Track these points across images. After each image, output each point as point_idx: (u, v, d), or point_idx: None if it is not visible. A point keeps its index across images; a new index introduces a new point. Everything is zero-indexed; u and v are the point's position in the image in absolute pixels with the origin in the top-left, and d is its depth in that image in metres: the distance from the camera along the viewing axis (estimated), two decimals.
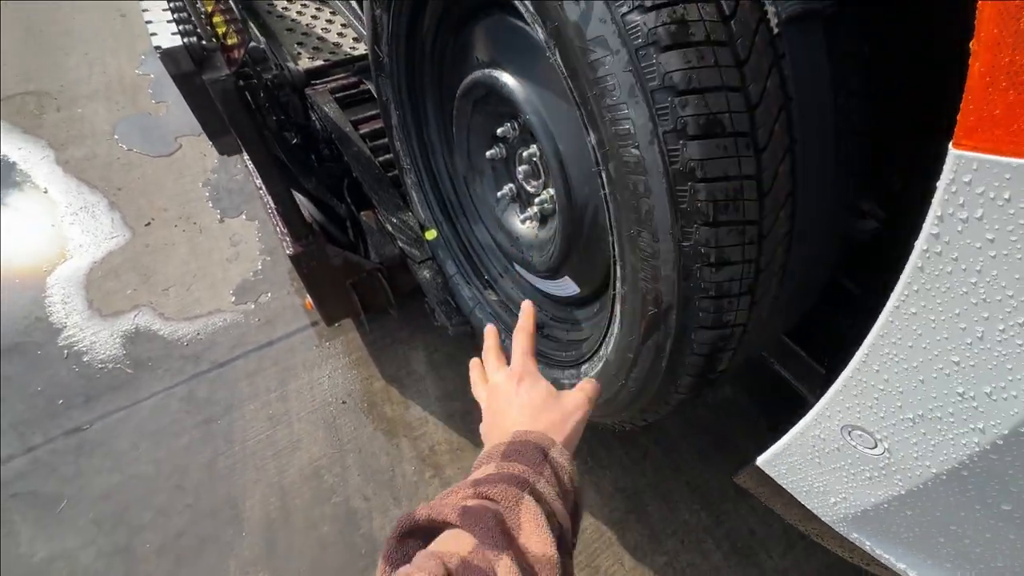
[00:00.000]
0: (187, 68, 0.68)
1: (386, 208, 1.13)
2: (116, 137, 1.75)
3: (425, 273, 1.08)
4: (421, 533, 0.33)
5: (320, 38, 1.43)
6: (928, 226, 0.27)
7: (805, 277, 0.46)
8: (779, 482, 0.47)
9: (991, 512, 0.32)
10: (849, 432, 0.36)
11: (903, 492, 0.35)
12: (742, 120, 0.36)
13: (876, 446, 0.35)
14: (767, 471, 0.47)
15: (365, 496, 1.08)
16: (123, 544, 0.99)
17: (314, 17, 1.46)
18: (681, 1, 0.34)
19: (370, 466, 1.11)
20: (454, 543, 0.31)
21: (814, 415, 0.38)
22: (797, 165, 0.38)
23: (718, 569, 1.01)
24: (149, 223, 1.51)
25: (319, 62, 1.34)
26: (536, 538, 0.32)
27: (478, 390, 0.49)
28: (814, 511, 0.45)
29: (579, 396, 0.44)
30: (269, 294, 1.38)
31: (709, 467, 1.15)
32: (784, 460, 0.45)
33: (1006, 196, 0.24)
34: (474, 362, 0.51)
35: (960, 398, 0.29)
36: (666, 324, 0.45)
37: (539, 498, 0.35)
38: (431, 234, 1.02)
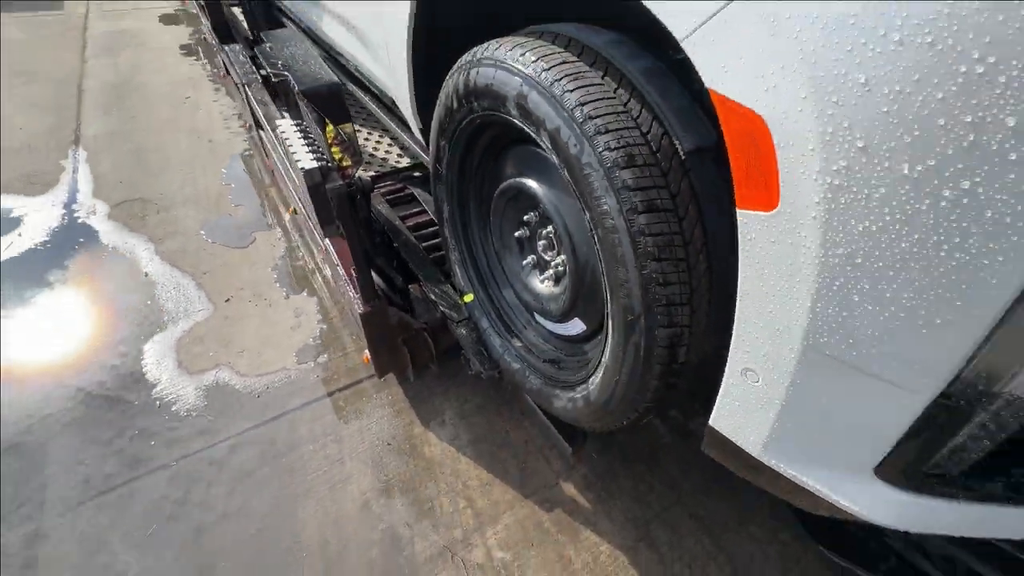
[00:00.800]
0: (317, 180, 1.03)
1: (430, 281, 1.43)
2: (202, 233, 2.14)
3: (462, 330, 1.35)
4: None
5: (371, 153, 1.84)
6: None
7: (722, 292, 0.72)
8: (726, 435, 0.69)
9: (826, 411, 0.56)
10: (744, 373, 0.61)
11: (778, 409, 0.58)
12: (668, 203, 0.66)
13: (758, 380, 0.59)
14: (717, 428, 0.70)
15: (408, 524, 1.24)
16: (204, 563, 1.15)
17: (366, 139, 1.89)
18: (627, 145, 0.65)
19: (412, 498, 1.29)
20: None
21: (727, 369, 0.63)
22: (704, 226, 0.67)
23: None
24: (228, 299, 1.83)
25: (373, 172, 1.74)
26: None
27: None
28: (745, 449, 0.67)
29: None
30: (326, 355, 1.64)
31: (710, 499, 1.30)
32: (722, 413, 0.68)
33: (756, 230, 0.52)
34: None
35: (776, 333, 0.55)
36: (639, 326, 0.71)
37: None
38: (469, 297, 1.31)
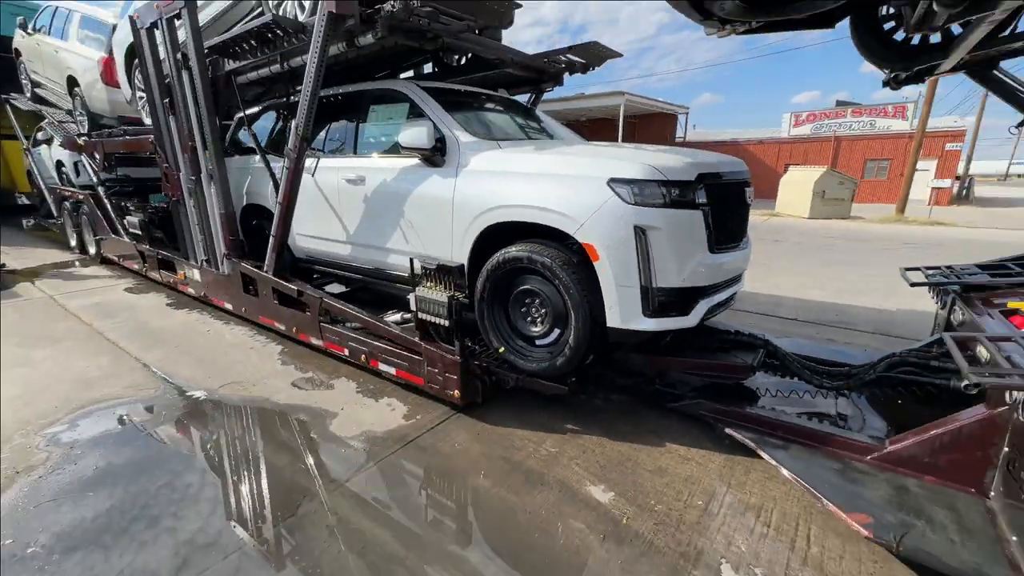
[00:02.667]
0: (446, 317, 2.67)
1: (488, 350, 3.00)
2: (295, 386, 3.30)
3: (506, 369, 2.90)
4: None
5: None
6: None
7: (591, 309, 2.56)
8: (618, 327, 2.44)
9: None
10: (609, 309, 2.41)
11: (617, 313, 2.39)
12: (579, 286, 2.51)
13: (615, 309, 2.40)
14: (611, 326, 2.44)
15: (511, 447, 2.55)
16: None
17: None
18: (572, 275, 2.53)
19: (506, 442, 2.61)
20: None
21: (606, 313, 2.43)
22: (585, 285, 2.54)
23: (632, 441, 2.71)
24: (342, 409, 3.01)
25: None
26: None
27: None
28: (620, 327, 2.42)
29: None
30: (419, 416, 2.92)
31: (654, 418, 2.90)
32: (611, 319, 2.43)
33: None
34: None
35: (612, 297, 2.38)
36: (576, 316, 2.48)
37: None
38: (502, 349, 2.90)
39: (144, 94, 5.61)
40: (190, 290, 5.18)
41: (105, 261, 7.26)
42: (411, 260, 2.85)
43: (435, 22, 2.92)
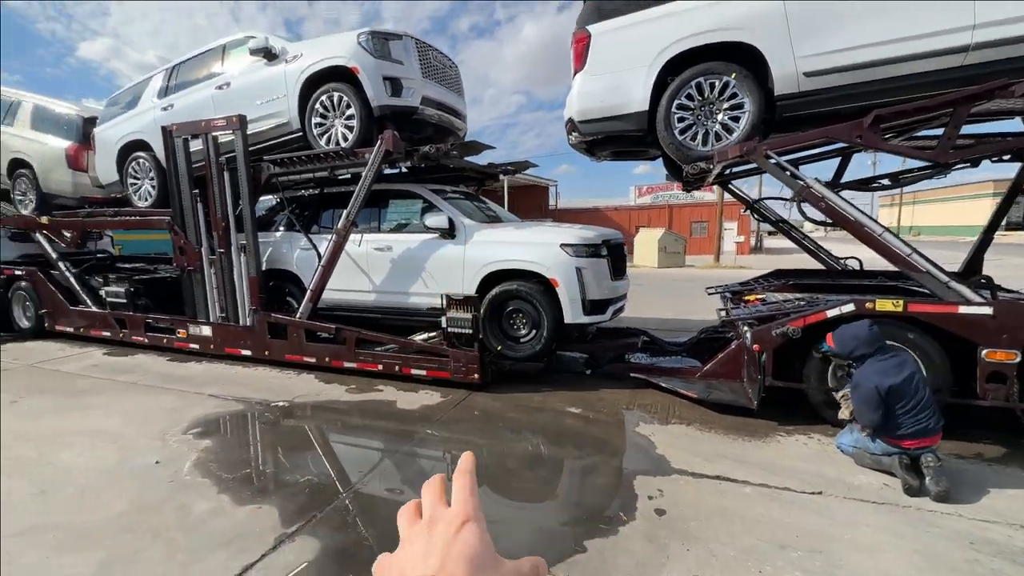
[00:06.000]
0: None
1: (486, 347, 4.79)
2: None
3: (501, 358, 4.71)
4: None
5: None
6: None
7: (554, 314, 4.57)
8: (570, 321, 4.46)
9: None
10: (570, 306, 4.44)
11: (570, 311, 4.42)
12: (547, 303, 4.51)
13: (568, 311, 4.43)
14: (567, 321, 4.45)
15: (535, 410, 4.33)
16: None
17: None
18: (548, 299, 4.54)
19: (515, 402, 4.39)
20: None
21: (564, 311, 4.45)
22: (549, 301, 4.55)
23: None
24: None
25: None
26: None
27: (402, 519, 0.41)
28: (572, 321, 4.45)
29: (526, 567, 0.37)
30: (451, 396, 4.55)
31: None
32: (568, 318, 4.44)
33: None
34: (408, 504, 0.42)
35: (570, 300, 4.42)
36: (547, 319, 4.46)
37: None
38: (499, 348, 4.72)
39: (135, 183, 6.59)
40: (193, 346, 6.00)
41: (45, 335, 7.30)
42: (442, 296, 4.60)
43: (444, 157, 4.90)
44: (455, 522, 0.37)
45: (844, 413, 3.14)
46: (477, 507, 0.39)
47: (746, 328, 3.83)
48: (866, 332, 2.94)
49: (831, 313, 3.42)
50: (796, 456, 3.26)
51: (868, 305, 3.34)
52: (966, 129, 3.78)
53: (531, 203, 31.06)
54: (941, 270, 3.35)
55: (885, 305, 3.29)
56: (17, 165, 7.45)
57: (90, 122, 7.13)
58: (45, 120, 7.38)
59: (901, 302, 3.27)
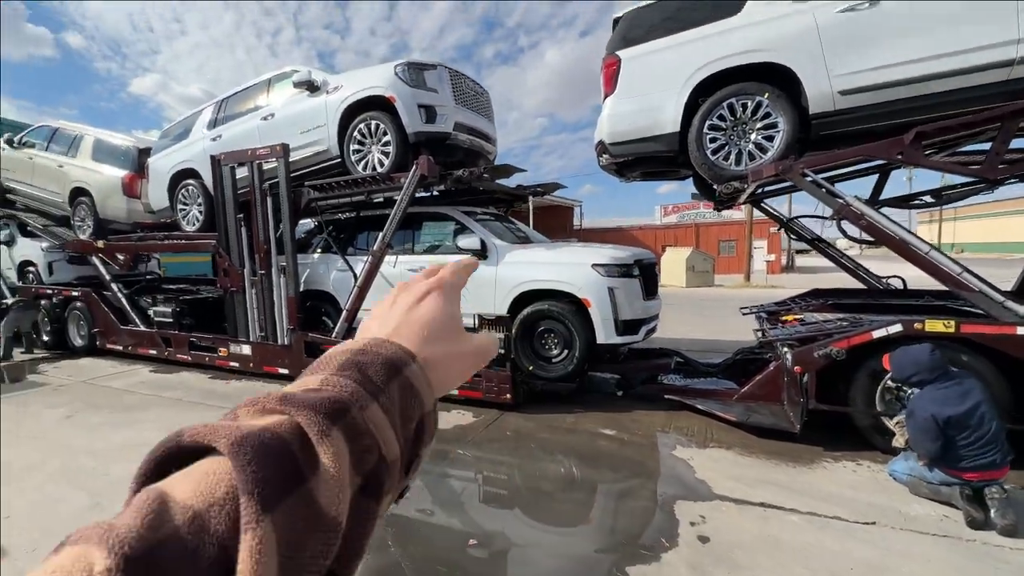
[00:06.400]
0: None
1: (519, 367, 4.79)
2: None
3: (534, 379, 4.71)
4: (189, 459, 0.24)
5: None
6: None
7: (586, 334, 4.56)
8: (602, 343, 4.44)
9: None
10: (603, 325, 4.42)
11: (602, 331, 4.40)
12: (583, 324, 4.52)
13: (601, 332, 4.41)
14: (599, 341, 4.43)
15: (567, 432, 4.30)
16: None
17: None
18: (581, 322, 4.54)
19: (547, 422, 4.36)
20: (203, 483, 0.22)
21: (596, 332, 4.43)
22: (583, 322, 4.55)
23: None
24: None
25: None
26: (327, 488, 0.24)
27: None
28: (606, 342, 4.42)
29: (486, 341, 0.38)
30: (483, 416, 4.56)
31: (637, 404, 4.83)
32: (599, 338, 4.42)
33: None
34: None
35: (603, 320, 4.41)
36: (579, 339, 4.45)
37: (358, 431, 0.27)
38: (531, 368, 4.72)
39: (184, 208, 6.95)
40: (233, 364, 6.21)
41: (96, 353, 7.67)
42: (475, 316, 4.65)
43: (476, 180, 5.02)
44: (420, 292, 0.38)
45: (899, 441, 3.00)
46: (452, 286, 0.39)
47: (786, 349, 3.73)
48: (927, 357, 2.76)
49: (877, 334, 3.31)
50: (845, 483, 3.12)
51: (917, 326, 3.22)
52: (1014, 143, 3.67)
53: (556, 223, 31.22)
54: (995, 289, 3.21)
55: (935, 326, 3.16)
56: (78, 193, 7.98)
57: (144, 152, 7.62)
58: (104, 151, 7.92)
59: (953, 322, 3.14)
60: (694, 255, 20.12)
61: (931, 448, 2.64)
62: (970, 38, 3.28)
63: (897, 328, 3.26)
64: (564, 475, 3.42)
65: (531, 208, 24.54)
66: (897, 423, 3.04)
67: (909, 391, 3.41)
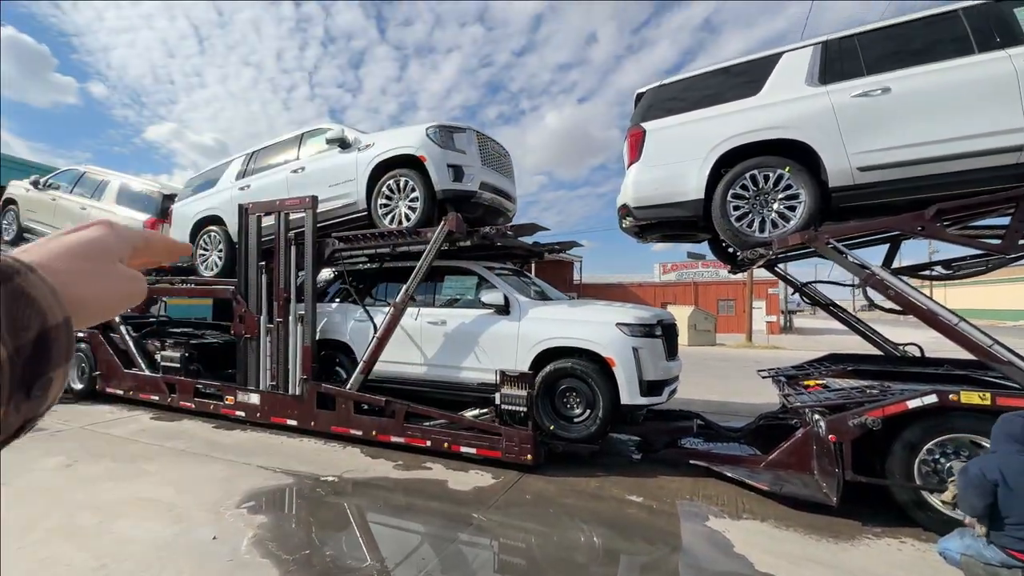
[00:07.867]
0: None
1: (542, 428, 4.68)
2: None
3: (557, 441, 4.59)
4: None
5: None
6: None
7: (610, 394, 4.51)
8: (628, 403, 4.37)
9: None
10: (629, 384, 4.36)
11: (627, 392, 4.34)
12: (607, 385, 4.48)
13: (625, 391, 4.36)
14: (624, 403, 4.36)
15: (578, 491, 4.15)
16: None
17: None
18: (602, 383, 4.51)
19: (569, 486, 4.21)
20: None
21: (621, 392, 4.38)
22: (605, 383, 4.51)
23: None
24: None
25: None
26: None
27: None
28: (629, 403, 4.35)
29: (135, 272, 0.39)
30: (503, 477, 4.40)
31: (658, 469, 4.68)
32: (623, 398, 4.35)
33: None
34: None
35: (628, 381, 4.36)
36: (603, 399, 4.39)
37: None
38: (552, 428, 4.62)
39: (204, 253, 7.03)
40: (239, 413, 6.04)
41: (94, 397, 7.46)
42: (497, 372, 4.60)
43: (501, 237, 5.15)
44: (84, 225, 0.37)
45: (947, 496, 2.94)
46: (123, 228, 0.40)
47: (817, 416, 3.69)
48: (1020, 430, 2.55)
49: (912, 404, 3.29)
50: (891, 563, 2.99)
51: (952, 396, 3.21)
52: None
53: (557, 277, 31.53)
54: None
55: (971, 397, 3.16)
56: None
57: (169, 199, 7.80)
58: (128, 196, 8.11)
59: (988, 395, 3.14)
60: (696, 313, 20.24)
61: (976, 506, 2.52)
62: (976, 125, 3.51)
63: (932, 399, 3.25)
64: (599, 546, 3.26)
65: (533, 263, 24.92)
66: (952, 481, 2.98)
67: (948, 464, 3.36)
